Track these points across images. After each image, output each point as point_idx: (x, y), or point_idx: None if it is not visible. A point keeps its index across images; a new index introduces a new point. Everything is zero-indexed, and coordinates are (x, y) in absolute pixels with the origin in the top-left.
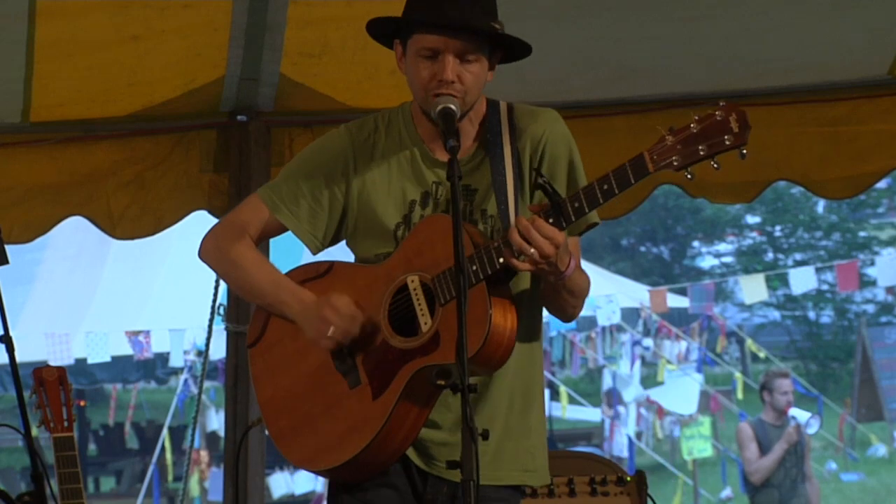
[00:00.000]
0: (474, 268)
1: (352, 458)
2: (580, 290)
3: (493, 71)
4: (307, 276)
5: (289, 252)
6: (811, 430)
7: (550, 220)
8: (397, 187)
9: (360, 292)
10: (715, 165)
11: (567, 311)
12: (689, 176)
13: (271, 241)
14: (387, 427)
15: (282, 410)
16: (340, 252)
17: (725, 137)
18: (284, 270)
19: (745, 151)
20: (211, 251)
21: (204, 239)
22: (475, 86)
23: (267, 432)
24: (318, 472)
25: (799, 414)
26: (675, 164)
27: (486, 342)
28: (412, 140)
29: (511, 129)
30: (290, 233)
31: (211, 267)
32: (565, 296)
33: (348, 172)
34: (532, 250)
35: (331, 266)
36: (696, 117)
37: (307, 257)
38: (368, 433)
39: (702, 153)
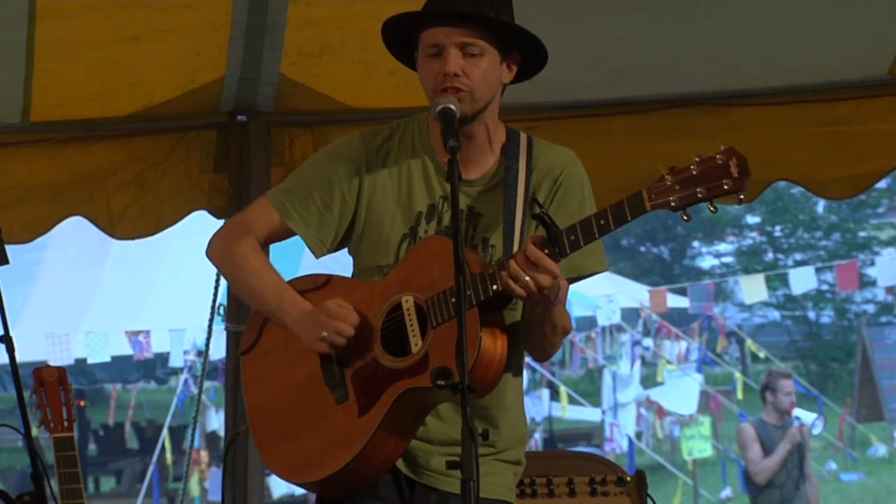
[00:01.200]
0: (469, 292)
1: (332, 473)
2: (562, 327)
3: (511, 72)
4: (305, 287)
5: (287, 256)
6: (816, 431)
7: (546, 251)
8: (406, 197)
9: (355, 307)
10: (712, 209)
11: (545, 347)
12: (685, 218)
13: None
14: (369, 446)
15: (268, 420)
16: (339, 265)
17: (724, 182)
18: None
19: (742, 197)
20: (218, 252)
21: (212, 239)
22: (484, 82)
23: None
24: (299, 485)
25: (804, 415)
26: (673, 204)
27: (475, 364)
28: (425, 150)
29: (528, 162)
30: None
31: (216, 267)
32: (546, 329)
33: (360, 180)
34: (527, 279)
35: (329, 279)
36: (697, 159)
37: (305, 260)
38: (351, 450)
39: (699, 196)
